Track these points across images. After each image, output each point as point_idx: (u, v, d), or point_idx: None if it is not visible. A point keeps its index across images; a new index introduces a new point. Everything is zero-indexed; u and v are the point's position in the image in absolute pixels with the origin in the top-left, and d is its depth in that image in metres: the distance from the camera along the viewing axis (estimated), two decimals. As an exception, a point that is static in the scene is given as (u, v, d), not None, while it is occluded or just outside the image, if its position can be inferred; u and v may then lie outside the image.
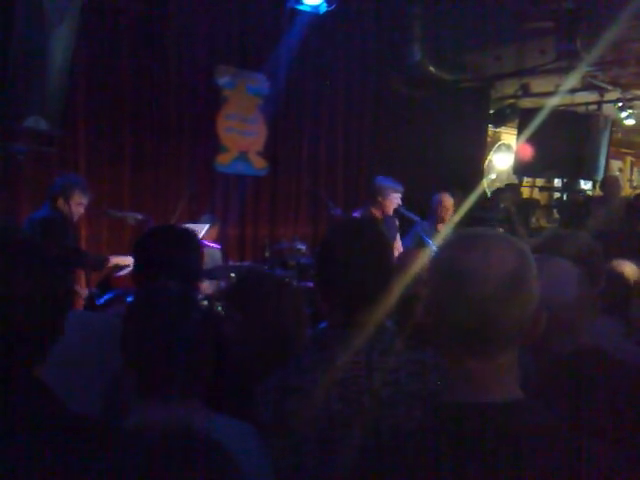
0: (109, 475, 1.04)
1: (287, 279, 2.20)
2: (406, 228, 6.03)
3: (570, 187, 8.41)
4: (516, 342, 1.13)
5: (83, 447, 1.07)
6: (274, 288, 2.11)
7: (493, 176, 9.76)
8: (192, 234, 2.32)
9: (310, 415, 1.55)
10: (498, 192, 7.94)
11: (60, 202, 4.68)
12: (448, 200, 6.10)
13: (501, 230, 6.66)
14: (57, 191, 4.70)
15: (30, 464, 1.02)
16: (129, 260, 4.91)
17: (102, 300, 3.53)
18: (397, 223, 5.78)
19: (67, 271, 1.26)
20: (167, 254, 2.13)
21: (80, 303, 4.63)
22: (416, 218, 5.81)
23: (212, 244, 5.73)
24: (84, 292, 4.73)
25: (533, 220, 8.25)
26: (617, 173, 11.04)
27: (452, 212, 6.10)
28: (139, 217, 5.21)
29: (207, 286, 5.31)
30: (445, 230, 5.98)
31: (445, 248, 1.17)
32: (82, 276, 5.26)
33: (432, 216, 5.97)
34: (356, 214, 5.49)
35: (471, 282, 1.08)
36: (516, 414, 1.09)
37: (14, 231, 1.39)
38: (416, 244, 5.82)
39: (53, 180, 4.86)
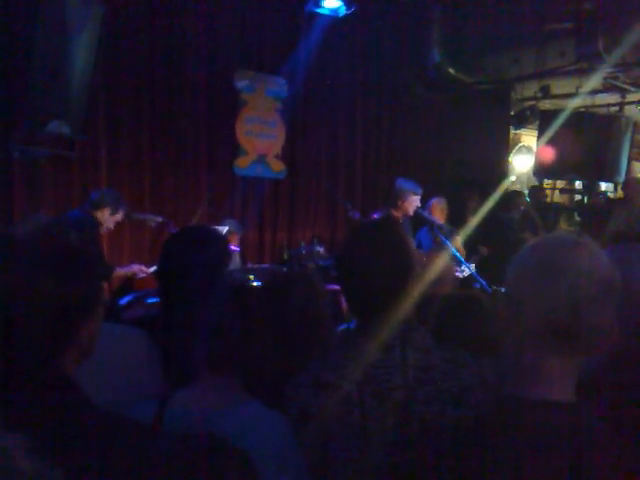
0: (120, 469, 1.06)
1: (313, 277, 2.23)
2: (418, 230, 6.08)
3: (591, 189, 8.35)
4: (593, 346, 1.18)
5: (102, 443, 1.09)
6: (302, 287, 2.15)
7: (513, 178, 9.70)
8: (219, 236, 2.36)
9: (342, 410, 1.58)
10: (513, 194, 7.91)
11: (105, 211, 4.74)
12: (437, 206, 6.22)
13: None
14: (108, 201, 4.76)
15: (48, 454, 1.04)
16: (135, 269, 4.99)
17: (123, 301, 3.57)
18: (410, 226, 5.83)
19: (96, 274, 1.31)
20: (192, 254, 2.17)
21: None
22: (436, 221, 5.82)
23: (232, 246, 5.77)
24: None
25: (553, 223, 8.18)
26: (639, 175, 10.91)
27: (443, 218, 6.21)
28: (159, 220, 5.27)
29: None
30: (455, 233, 6.05)
31: (543, 249, 1.20)
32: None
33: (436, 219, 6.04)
34: (375, 215, 5.50)
35: (571, 280, 1.13)
36: (580, 414, 1.13)
37: (52, 233, 1.41)
38: (417, 247, 5.89)
39: (99, 190, 4.94)
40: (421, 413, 1.55)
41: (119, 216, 4.91)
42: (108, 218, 4.80)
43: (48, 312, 1.15)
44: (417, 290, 1.64)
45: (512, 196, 7.73)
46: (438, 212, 6.24)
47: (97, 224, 4.74)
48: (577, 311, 1.13)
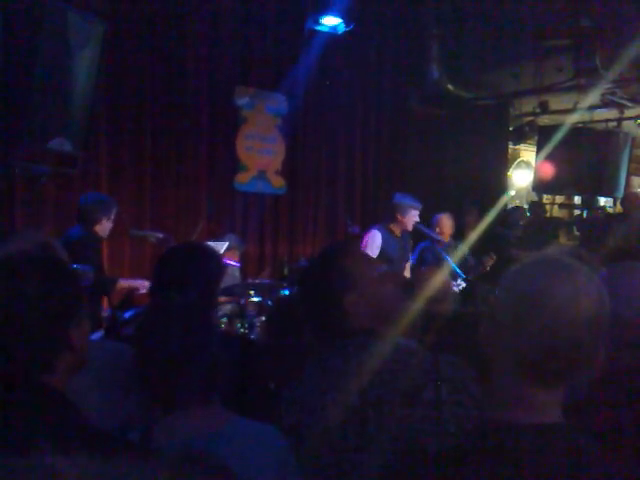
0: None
1: None
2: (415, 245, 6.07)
3: (590, 204, 8.37)
4: (579, 375, 1.14)
5: (91, 458, 1.09)
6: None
7: (512, 193, 9.73)
8: (212, 252, 2.35)
9: (312, 420, 1.66)
10: (512, 210, 7.93)
11: (103, 222, 4.70)
12: (447, 222, 6.16)
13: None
14: (100, 212, 4.70)
15: (38, 467, 1.05)
16: (138, 284, 4.97)
17: (125, 317, 3.56)
18: (411, 241, 5.82)
19: (78, 289, 1.42)
20: (185, 271, 2.17)
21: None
22: (435, 235, 5.82)
23: (231, 262, 5.77)
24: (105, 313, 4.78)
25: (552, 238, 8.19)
26: (638, 190, 10.94)
27: (448, 234, 6.16)
28: (160, 236, 5.27)
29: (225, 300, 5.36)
30: (457, 248, 6.02)
31: (531, 275, 1.15)
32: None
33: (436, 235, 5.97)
34: (373, 230, 5.52)
35: (561, 316, 1.08)
36: (569, 434, 1.11)
37: (33, 250, 1.49)
38: (420, 262, 5.86)
39: (85, 199, 4.82)
40: (373, 416, 1.61)
41: (113, 215, 4.88)
42: (107, 225, 4.79)
43: (39, 318, 1.24)
44: (415, 306, 1.69)
45: (512, 212, 7.74)
46: (447, 227, 6.17)
47: (96, 240, 4.73)
48: (555, 349, 1.08)
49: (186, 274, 2.17)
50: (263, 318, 4.88)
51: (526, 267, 1.18)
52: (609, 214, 8.51)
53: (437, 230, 6.09)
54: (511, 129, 8.72)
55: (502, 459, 1.07)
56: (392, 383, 1.61)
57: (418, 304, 2.24)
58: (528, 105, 8.58)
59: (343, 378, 1.66)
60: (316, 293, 1.77)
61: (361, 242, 5.55)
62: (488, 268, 6.07)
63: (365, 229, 5.90)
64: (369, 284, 1.76)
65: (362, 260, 1.87)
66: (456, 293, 5.39)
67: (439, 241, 5.87)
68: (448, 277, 4.35)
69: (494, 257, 6.07)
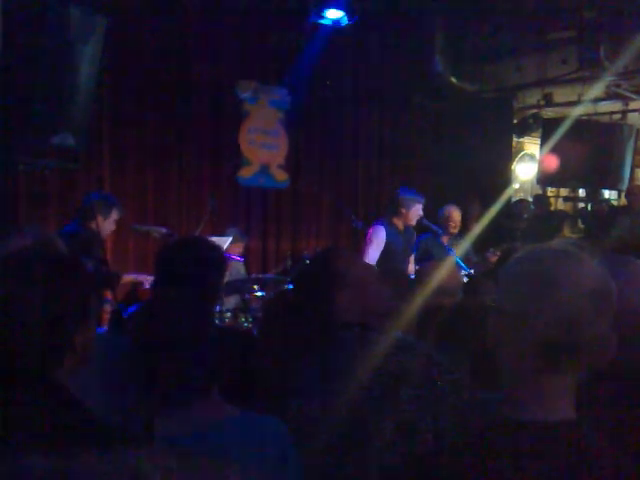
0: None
1: None
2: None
3: (594, 197, 8.34)
4: (591, 360, 1.14)
5: (92, 450, 1.09)
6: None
7: (516, 186, 9.69)
8: (214, 247, 2.34)
9: (339, 407, 1.68)
10: (516, 203, 7.90)
11: (98, 219, 4.64)
12: (456, 214, 6.07)
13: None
14: (95, 209, 4.64)
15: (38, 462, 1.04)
16: (142, 278, 4.96)
17: (129, 312, 3.56)
18: (414, 235, 5.78)
19: (87, 291, 1.36)
20: (186, 266, 2.16)
21: (105, 318, 4.67)
22: (438, 230, 5.79)
23: (235, 257, 5.77)
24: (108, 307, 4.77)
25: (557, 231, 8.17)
26: (642, 182, 10.89)
27: (458, 226, 6.08)
28: (163, 231, 5.26)
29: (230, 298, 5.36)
30: (461, 241, 5.97)
31: (534, 262, 1.17)
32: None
33: (438, 228, 5.91)
34: (377, 225, 5.50)
35: (566, 293, 1.10)
36: (581, 433, 1.10)
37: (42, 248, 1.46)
38: (421, 255, 5.81)
39: (87, 197, 4.84)
40: (368, 401, 1.67)
41: (114, 216, 4.82)
42: (103, 224, 4.71)
43: (42, 322, 1.20)
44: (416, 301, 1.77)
45: (516, 205, 7.71)
46: (458, 220, 6.08)
47: (92, 235, 4.66)
48: (573, 326, 1.09)
49: (187, 268, 2.16)
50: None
51: (528, 255, 1.20)
52: (613, 207, 8.48)
53: (452, 224, 6.01)
54: (515, 122, 8.68)
55: (508, 457, 1.07)
56: (382, 368, 1.70)
57: (419, 298, 2.26)
58: (532, 98, 8.55)
59: (338, 368, 1.74)
60: (312, 292, 1.91)
61: (365, 237, 5.53)
62: (493, 265, 5.99)
63: (369, 224, 5.88)
64: (359, 283, 1.90)
65: (353, 261, 2.01)
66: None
67: (442, 235, 5.84)
68: (458, 270, 4.31)
69: (498, 253, 5.98)
